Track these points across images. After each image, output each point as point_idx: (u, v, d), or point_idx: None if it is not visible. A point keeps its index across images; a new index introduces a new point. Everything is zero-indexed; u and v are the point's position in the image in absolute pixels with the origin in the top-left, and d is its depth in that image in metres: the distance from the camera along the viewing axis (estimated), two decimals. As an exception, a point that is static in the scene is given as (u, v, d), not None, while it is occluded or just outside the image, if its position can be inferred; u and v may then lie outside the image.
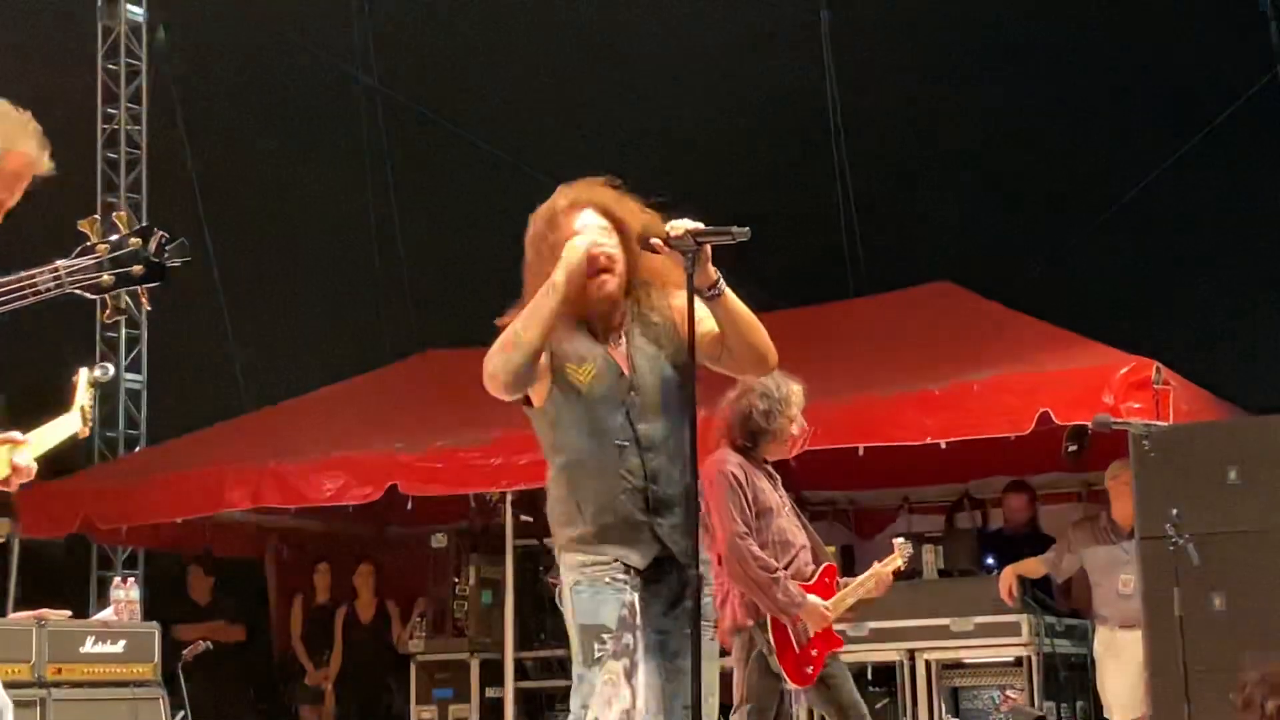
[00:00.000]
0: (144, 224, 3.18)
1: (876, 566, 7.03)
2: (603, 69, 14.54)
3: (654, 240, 4.47)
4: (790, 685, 6.56)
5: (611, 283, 4.62)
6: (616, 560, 4.51)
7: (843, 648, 6.84)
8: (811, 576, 6.65)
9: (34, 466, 4.12)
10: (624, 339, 4.65)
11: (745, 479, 6.57)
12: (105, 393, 13.48)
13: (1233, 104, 13.13)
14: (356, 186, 14.90)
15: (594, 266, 4.59)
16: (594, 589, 4.52)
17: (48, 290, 3.11)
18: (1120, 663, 8.29)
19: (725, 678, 5.09)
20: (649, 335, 4.65)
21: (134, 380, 13.68)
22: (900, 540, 7.30)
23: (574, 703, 4.53)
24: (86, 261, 3.13)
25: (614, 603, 4.49)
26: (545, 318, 4.48)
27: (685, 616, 4.46)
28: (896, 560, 7.11)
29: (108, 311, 3.22)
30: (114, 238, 3.14)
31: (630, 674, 4.47)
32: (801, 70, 14.17)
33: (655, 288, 4.68)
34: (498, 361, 4.52)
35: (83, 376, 4.60)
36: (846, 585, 6.85)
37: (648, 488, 4.53)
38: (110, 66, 13.86)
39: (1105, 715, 8.54)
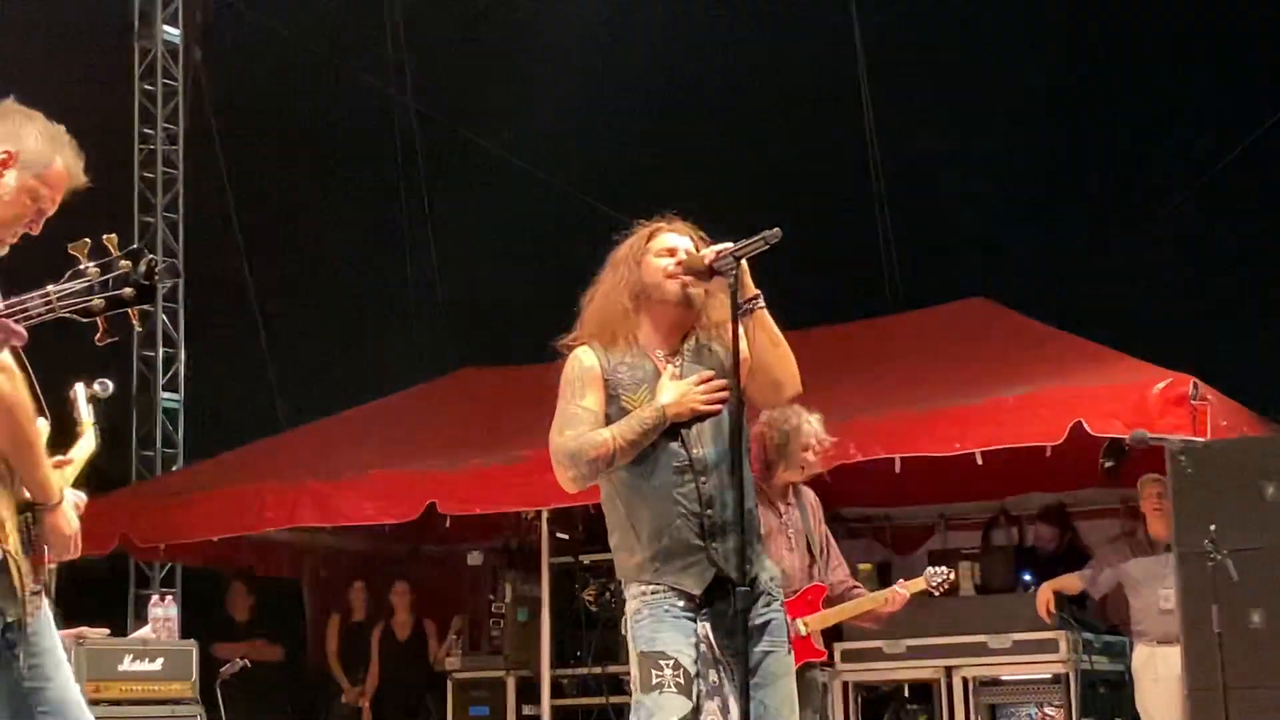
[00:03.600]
0: (134, 246, 3.20)
1: (889, 590, 7.06)
2: (638, 89, 14.58)
3: (700, 267, 4.55)
4: None
5: (690, 286, 4.66)
6: (673, 589, 4.53)
7: (821, 658, 6.89)
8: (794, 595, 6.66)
9: (83, 499, 4.18)
10: (679, 364, 4.69)
11: None
12: (142, 411, 13.57)
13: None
14: (392, 204, 14.95)
15: (676, 273, 4.66)
16: (654, 618, 4.54)
17: (39, 314, 3.13)
18: (1159, 679, 8.24)
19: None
20: (703, 363, 4.69)
21: (171, 399, 13.75)
22: (933, 570, 7.30)
23: None
24: (77, 285, 3.14)
25: (675, 629, 4.50)
26: (642, 446, 4.56)
27: (755, 634, 4.50)
28: (918, 586, 7.12)
29: (99, 334, 3.23)
30: (104, 260, 3.16)
31: (725, 710, 4.48)
32: (837, 86, 14.17)
33: (720, 328, 4.71)
34: (583, 468, 4.60)
35: (80, 393, 4.61)
36: (847, 604, 6.89)
37: (703, 513, 4.56)
38: (147, 87, 13.96)
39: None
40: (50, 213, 4.12)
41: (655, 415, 4.57)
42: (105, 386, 4.67)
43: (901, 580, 7.17)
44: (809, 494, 6.94)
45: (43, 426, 3.97)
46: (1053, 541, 10.12)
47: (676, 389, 4.60)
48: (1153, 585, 8.32)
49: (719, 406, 4.60)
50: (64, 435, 4.40)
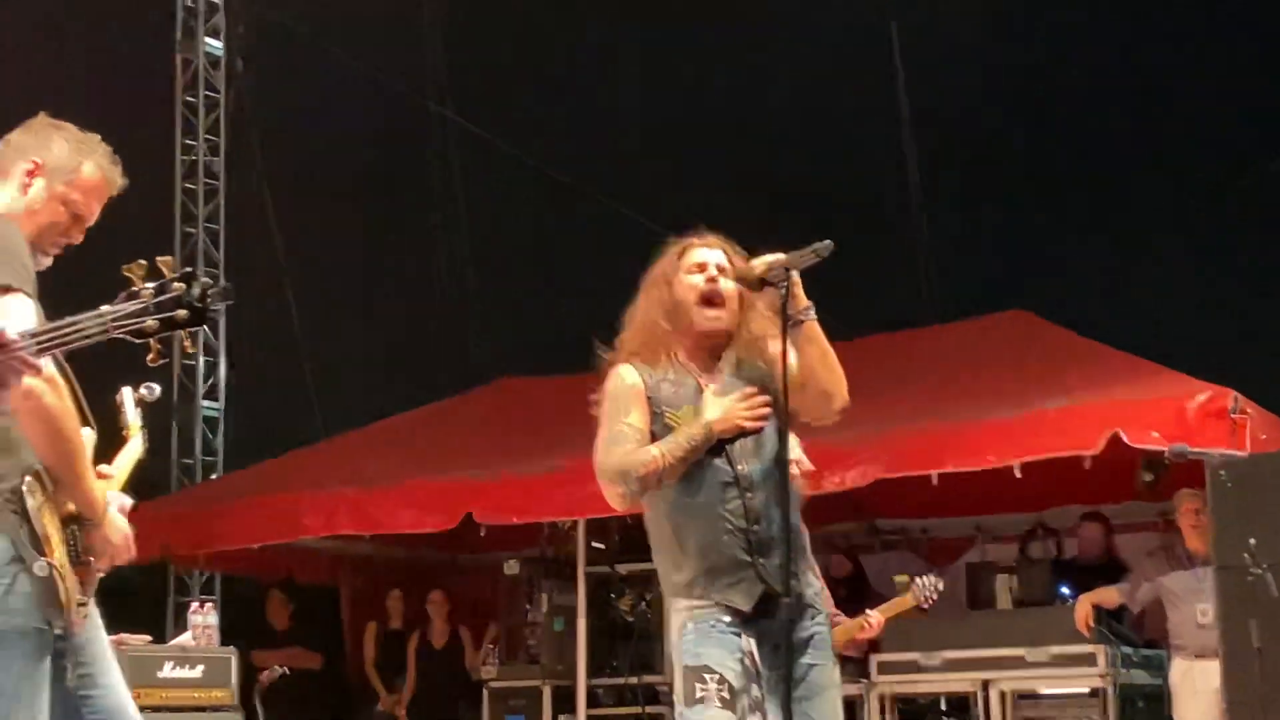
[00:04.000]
0: (189, 268, 3.23)
1: (861, 618, 7.00)
2: (677, 99, 14.61)
3: (751, 278, 4.55)
4: None
5: (722, 319, 4.68)
6: (720, 605, 4.54)
7: None
8: None
9: (130, 502, 4.21)
10: (721, 380, 4.70)
11: None
12: (183, 420, 13.64)
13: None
14: (431, 214, 15.01)
15: (706, 295, 4.66)
16: (699, 633, 4.55)
17: (94, 335, 3.16)
18: (1197, 694, 8.20)
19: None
20: (747, 377, 4.69)
21: (211, 407, 13.82)
22: (921, 584, 7.26)
23: None
24: (132, 307, 3.17)
25: (720, 644, 4.51)
26: (689, 463, 4.57)
27: (800, 648, 4.51)
28: (905, 605, 7.10)
29: (151, 355, 3.26)
30: (159, 283, 3.19)
31: None
32: (876, 96, 14.19)
33: (760, 341, 4.72)
34: (632, 486, 4.62)
35: (127, 396, 4.64)
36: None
37: (750, 528, 4.57)
38: (189, 99, 14.04)
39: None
40: (90, 220, 4.17)
41: (701, 432, 4.58)
42: (152, 390, 4.70)
43: (867, 610, 7.08)
44: None
45: (88, 437, 4.01)
46: (1098, 542, 10.04)
47: (721, 405, 4.61)
48: (1190, 600, 8.29)
49: (763, 423, 4.60)
50: (111, 440, 4.44)
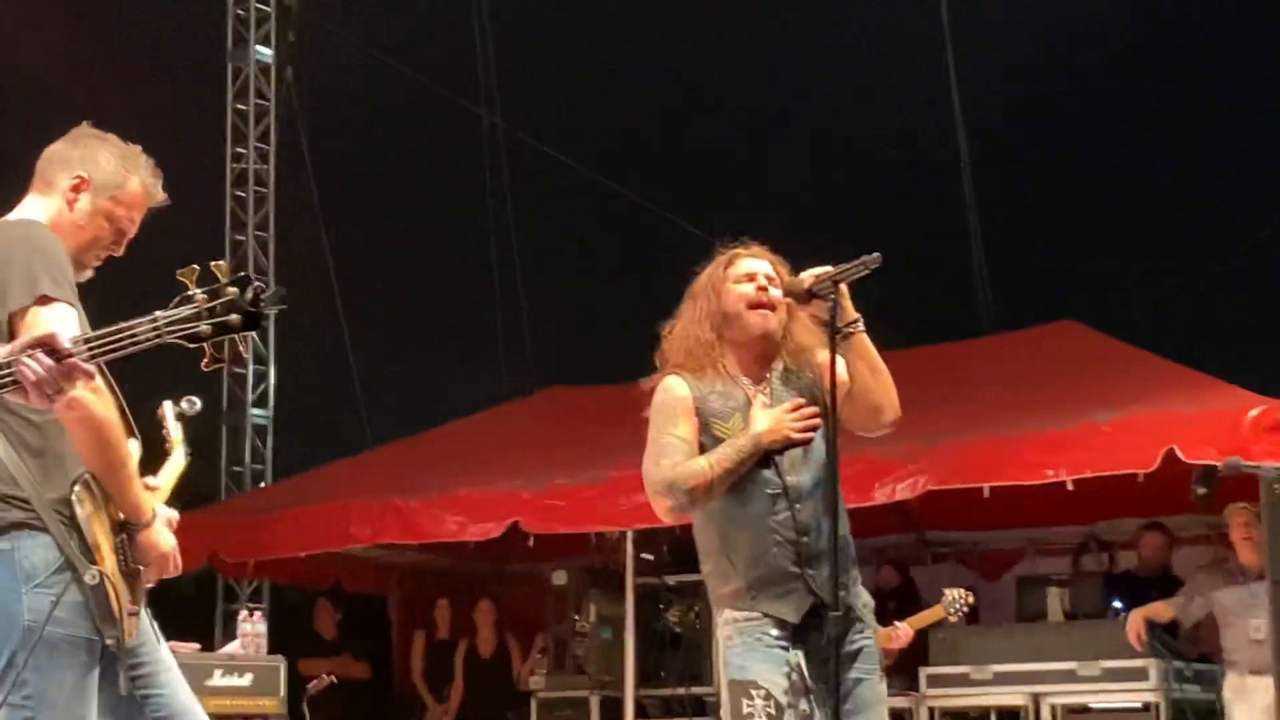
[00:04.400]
0: (243, 273, 3.22)
1: (889, 628, 6.93)
2: (721, 109, 14.60)
3: (799, 290, 4.53)
4: None
5: (771, 320, 4.66)
6: (768, 616, 4.51)
7: None
8: None
9: (176, 516, 4.21)
10: (769, 390, 4.67)
11: None
12: (232, 428, 13.70)
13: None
14: (480, 223, 15.04)
15: (756, 301, 4.64)
16: (746, 645, 4.53)
17: (147, 340, 3.15)
18: (1250, 709, 8.14)
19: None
20: (795, 387, 4.67)
21: (260, 416, 13.87)
22: (951, 596, 7.21)
23: None
24: (185, 311, 3.16)
25: (768, 659, 4.48)
26: (737, 475, 4.55)
27: (847, 662, 4.48)
28: (935, 616, 7.05)
29: (205, 360, 3.25)
30: (212, 287, 3.18)
31: None
32: (931, 105, 14.14)
33: (807, 352, 4.70)
34: (681, 498, 4.60)
35: (169, 410, 4.64)
36: None
37: (799, 540, 4.54)
38: (239, 107, 14.11)
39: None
40: (131, 234, 4.17)
41: (750, 443, 4.55)
42: (193, 404, 4.71)
43: (897, 622, 7.03)
44: None
45: (134, 448, 4.01)
46: (1160, 551, 9.95)
47: (770, 417, 4.58)
48: (1243, 614, 8.22)
49: (812, 434, 4.57)
50: (154, 453, 4.44)
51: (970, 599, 7.46)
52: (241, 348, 3.32)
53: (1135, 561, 10.29)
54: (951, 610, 7.30)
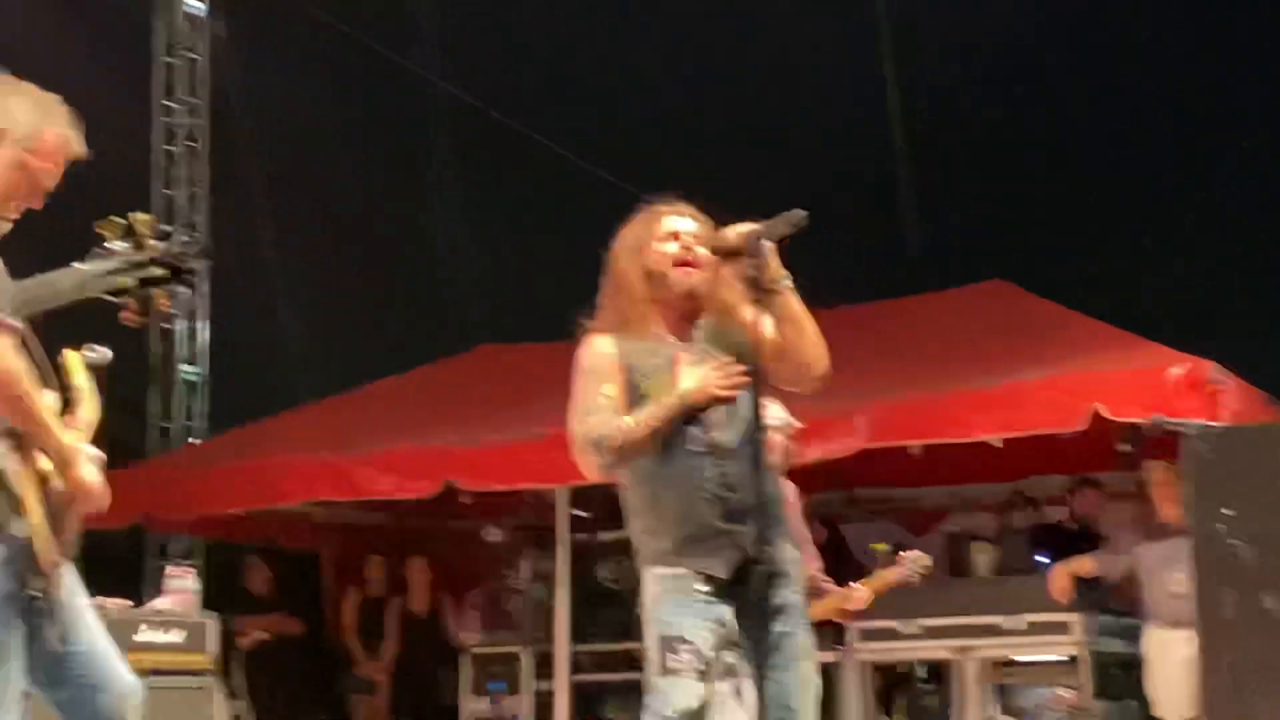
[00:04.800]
0: (164, 226, 3.20)
1: (846, 588, 6.99)
2: (662, 64, 14.57)
3: (724, 247, 4.55)
4: None
5: (696, 277, 4.67)
6: (696, 573, 4.55)
7: None
8: None
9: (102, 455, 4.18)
10: (695, 350, 4.70)
11: None
12: (163, 384, 13.60)
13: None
14: (417, 182, 14.97)
15: (681, 259, 4.66)
16: (673, 601, 4.57)
17: (68, 293, 3.12)
18: (1170, 663, 8.27)
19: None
20: (722, 345, 4.70)
21: (192, 372, 13.78)
22: (911, 557, 7.29)
23: (646, 713, 4.56)
24: (109, 264, 3.14)
25: (696, 614, 4.53)
26: (664, 434, 4.57)
27: (773, 616, 4.53)
28: (893, 576, 7.12)
29: (128, 314, 3.23)
30: (135, 240, 3.15)
31: (739, 692, 4.51)
32: (859, 60, 14.16)
33: (733, 310, 4.73)
34: (607, 456, 4.63)
35: (74, 360, 4.56)
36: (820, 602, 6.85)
37: (726, 497, 4.58)
38: (170, 60, 13.96)
39: (1156, 715, 8.52)
40: (49, 186, 4.03)
41: (676, 402, 4.58)
42: (99, 352, 4.60)
43: (853, 583, 7.11)
44: (789, 487, 6.90)
45: (50, 399, 3.96)
46: (1095, 507, 10.09)
47: (696, 375, 4.61)
48: (1163, 569, 8.34)
49: (737, 392, 4.61)
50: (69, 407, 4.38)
51: (927, 562, 7.52)
52: (165, 302, 3.30)
53: (1062, 517, 10.43)
54: (910, 572, 7.36)
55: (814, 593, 6.84)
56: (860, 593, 6.95)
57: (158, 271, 3.17)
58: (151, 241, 3.16)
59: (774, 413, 6.56)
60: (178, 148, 13.85)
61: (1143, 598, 8.68)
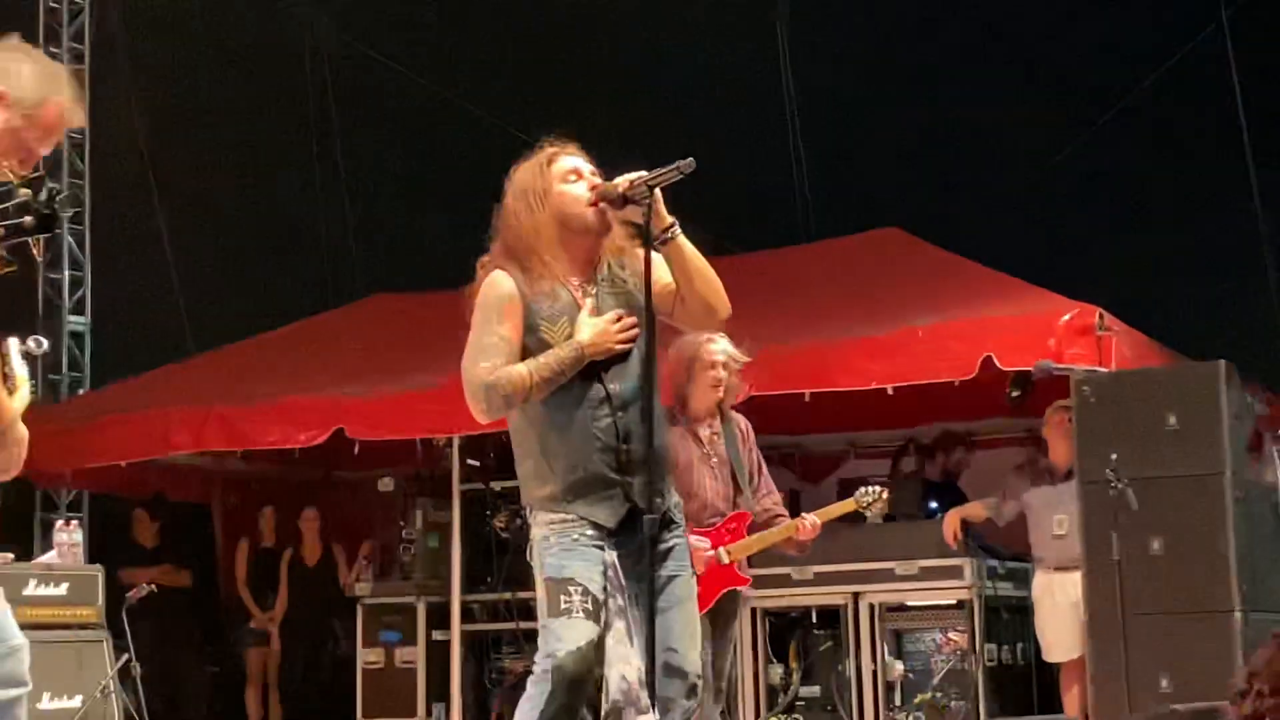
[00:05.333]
0: (34, 173, 3.13)
1: (798, 519, 7.01)
2: (551, 10, 14.48)
3: (613, 195, 4.52)
4: None
5: (609, 213, 4.63)
6: (584, 519, 4.55)
7: (745, 585, 6.82)
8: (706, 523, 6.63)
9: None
10: (595, 294, 4.67)
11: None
12: (50, 336, 13.35)
13: (1173, 57, 13.25)
14: (303, 126, 14.80)
15: (594, 199, 4.62)
16: (562, 546, 4.57)
17: None
18: (1056, 605, 8.40)
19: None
20: (619, 293, 4.68)
21: (78, 322, 13.57)
22: (865, 490, 7.33)
23: (539, 653, 4.56)
24: None
25: (584, 559, 4.53)
26: (557, 384, 4.55)
27: (660, 559, 4.55)
28: (847, 508, 7.16)
29: None
30: (2, 188, 3.08)
31: (630, 634, 4.51)
32: (753, 8, 14.16)
33: (626, 253, 4.70)
34: (496, 402, 4.59)
35: (13, 348, 4.48)
36: (767, 532, 6.87)
37: (620, 447, 4.58)
38: (52, 5, 13.68)
39: (1044, 657, 8.66)
40: (42, 154, 3.94)
41: (572, 353, 4.56)
42: (40, 343, 4.53)
43: (804, 514, 7.14)
44: (739, 420, 6.89)
45: None
46: (961, 465, 10.24)
47: (594, 327, 4.59)
48: (1049, 512, 8.45)
49: (633, 345, 4.60)
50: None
51: (885, 495, 7.51)
52: (36, 251, 3.22)
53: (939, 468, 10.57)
54: (864, 503, 7.36)
55: (769, 522, 6.87)
56: (810, 522, 6.96)
57: (28, 220, 3.08)
58: (22, 191, 3.07)
59: (722, 346, 6.60)
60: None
61: (1030, 542, 8.78)
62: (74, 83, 4.05)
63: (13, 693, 4.11)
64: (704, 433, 6.69)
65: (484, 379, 4.56)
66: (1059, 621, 8.35)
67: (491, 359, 4.57)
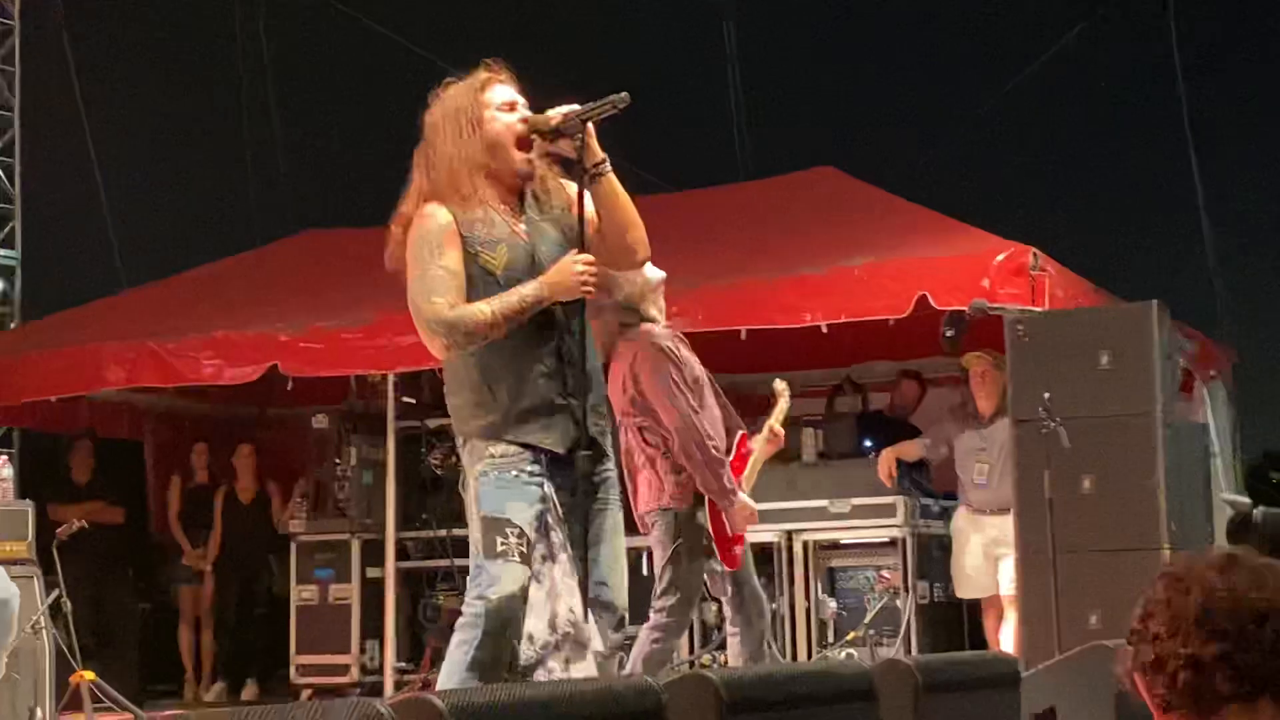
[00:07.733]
0: None
1: (767, 430, 7.02)
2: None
3: (545, 127, 4.50)
4: (721, 567, 6.48)
5: (534, 160, 4.60)
6: (527, 448, 4.50)
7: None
8: (729, 453, 6.56)
9: None
10: (525, 222, 4.64)
11: (679, 352, 6.36)
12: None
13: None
14: (233, 63, 14.66)
15: (523, 140, 4.58)
16: (500, 483, 4.53)
17: None
18: (969, 545, 8.55)
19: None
20: (550, 220, 4.65)
21: (7, 256, 13.41)
22: (780, 384, 7.32)
23: (470, 593, 4.54)
24: None
25: (521, 495, 4.51)
26: (519, 324, 4.50)
27: (595, 493, 4.59)
28: (782, 407, 7.16)
29: None
30: None
31: (568, 574, 4.51)
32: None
33: (553, 178, 4.67)
34: (458, 339, 4.54)
35: None
36: (760, 453, 6.85)
37: (565, 371, 4.54)
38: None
39: (956, 593, 8.77)
40: None
41: (535, 292, 4.52)
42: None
43: (769, 425, 7.13)
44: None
45: None
46: (915, 398, 10.28)
47: (560, 268, 4.54)
48: (970, 459, 8.57)
49: (593, 289, 4.57)
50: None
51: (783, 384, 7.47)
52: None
53: (887, 404, 10.59)
54: (780, 389, 7.35)
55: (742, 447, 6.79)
56: (778, 431, 6.96)
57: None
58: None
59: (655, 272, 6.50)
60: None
61: (958, 483, 8.86)
62: None
63: None
64: (690, 357, 6.50)
65: (444, 315, 4.51)
66: (971, 555, 8.51)
67: (444, 294, 4.52)
